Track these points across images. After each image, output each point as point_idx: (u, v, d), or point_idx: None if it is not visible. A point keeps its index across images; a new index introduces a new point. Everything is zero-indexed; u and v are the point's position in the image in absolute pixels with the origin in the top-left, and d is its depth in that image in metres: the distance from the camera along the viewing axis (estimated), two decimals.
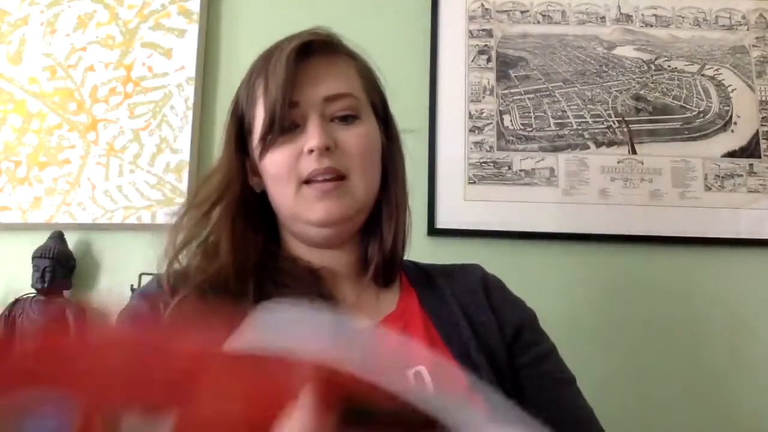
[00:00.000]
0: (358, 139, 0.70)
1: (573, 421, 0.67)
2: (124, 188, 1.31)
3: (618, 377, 1.21)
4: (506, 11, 1.36)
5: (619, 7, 1.36)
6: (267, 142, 0.70)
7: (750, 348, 1.22)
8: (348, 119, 0.71)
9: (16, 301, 1.26)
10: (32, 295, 1.26)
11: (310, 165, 0.68)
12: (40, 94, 1.37)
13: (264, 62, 0.72)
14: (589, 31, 1.35)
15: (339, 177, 0.68)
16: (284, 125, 0.69)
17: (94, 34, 1.38)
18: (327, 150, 0.68)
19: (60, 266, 1.24)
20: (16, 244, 1.32)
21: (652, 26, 1.35)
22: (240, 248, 0.69)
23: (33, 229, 1.31)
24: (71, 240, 1.29)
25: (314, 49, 0.72)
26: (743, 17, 1.35)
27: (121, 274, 1.26)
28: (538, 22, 1.35)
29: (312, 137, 0.68)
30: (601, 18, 1.35)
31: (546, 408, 0.64)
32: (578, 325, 1.22)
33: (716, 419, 1.19)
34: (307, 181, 0.68)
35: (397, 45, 1.33)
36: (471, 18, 1.35)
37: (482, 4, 1.36)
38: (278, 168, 0.69)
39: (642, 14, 1.35)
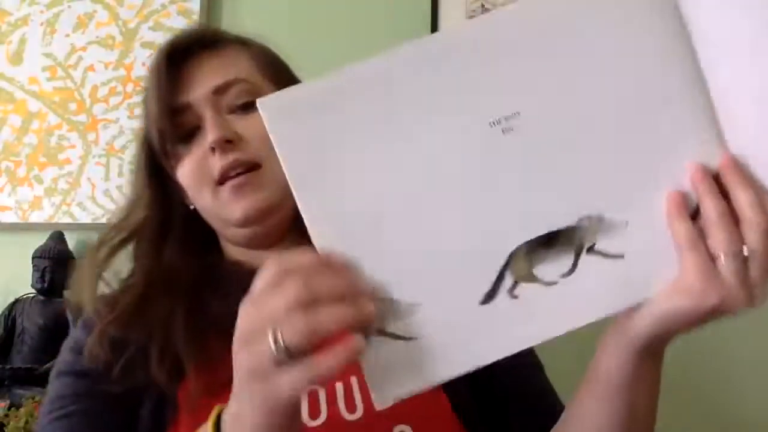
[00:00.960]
0: (260, 125, 0.60)
1: (545, 408, 0.65)
2: (125, 188, 1.31)
3: None
4: None
5: None
6: (169, 157, 0.66)
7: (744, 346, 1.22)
8: (248, 106, 0.65)
9: (16, 301, 1.27)
10: (32, 295, 1.27)
11: (216, 163, 0.63)
12: (40, 94, 1.37)
13: (148, 74, 0.68)
14: None
15: (251, 168, 0.63)
16: (179, 134, 0.65)
17: (94, 34, 1.38)
18: (229, 143, 0.63)
19: (60, 266, 1.24)
20: (16, 244, 1.32)
21: None
22: (159, 274, 0.65)
23: (33, 229, 1.31)
24: (71, 240, 1.29)
25: (197, 46, 0.68)
26: None
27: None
28: None
29: (209, 133, 0.63)
30: None
31: (517, 395, 0.64)
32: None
33: (716, 418, 1.19)
34: (221, 182, 0.63)
35: (397, 45, 1.33)
36: (471, 18, 1.36)
37: (482, 4, 1.36)
38: (190, 177, 0.65)
39: None
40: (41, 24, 1.40)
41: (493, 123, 0.43)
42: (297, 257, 0.40)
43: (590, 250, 0.44)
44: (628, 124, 0.44)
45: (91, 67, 1.37)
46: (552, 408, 0.63)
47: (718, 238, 0.42)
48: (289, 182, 0.42)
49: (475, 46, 0.43)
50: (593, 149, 0.44)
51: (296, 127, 0.42)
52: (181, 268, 0.65)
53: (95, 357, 0.59)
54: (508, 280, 0.43)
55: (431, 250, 0.43)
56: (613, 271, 0.44)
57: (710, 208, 0.42)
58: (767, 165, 0.43)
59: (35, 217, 1.32)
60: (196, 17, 1.37)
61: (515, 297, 0.43)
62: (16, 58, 1.39)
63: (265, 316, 0.38)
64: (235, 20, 1.39)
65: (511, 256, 0.43)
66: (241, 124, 0.64)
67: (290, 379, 0.37)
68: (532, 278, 0.43)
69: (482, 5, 1.36)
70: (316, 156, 0.42)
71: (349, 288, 0.40)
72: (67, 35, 1.39)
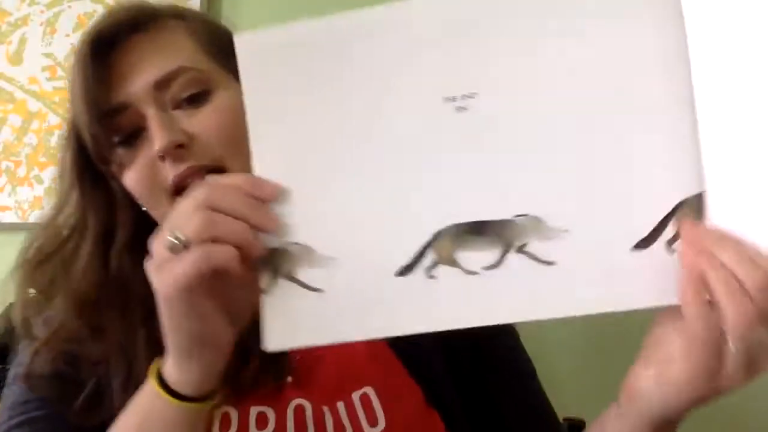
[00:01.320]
0: (217, 117, 0.54)
1: (536, 418, 0.64)
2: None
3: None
4: None
5: None
6: (109, 164, 0.56)
7: None
8: (197, 98, 0.55)
9: None
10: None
11: (168, 173, 0.53)
12: (40, 94, 1.37)
13: (72, 65, 0.56)
14: None
15: (212, 171, 0.53)
16: (118, 138, 0.55)
17: None
18: (180, 148, 0.53)
19: None
20: (16, 244, 1.32)
21: None
22: (106, 289, 0.56)
23: (33, 229, 1.31)
24: None
25: (128, 30, 0.57)
26: None
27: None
28: None
29: (155, 139, 0.53)
30: None
31: (508, 403, 0.63)
32: (572, 323, 1.22)
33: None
34: (178, 191, 0.53)
35: None
36: None
37: None
38: (139, 187, 0.55)
39: None
40: (41, 24, 1.40)
41: (449, 99, 0.42)
42: (226, 177, 0.45)
43: (520, 249, 0.42)
44: (595, 130, 0.41)
45: None
46: (547, 419, 0.63)
47: (727, 316, 0.37)
48: (247, 114, 0.44)
49: (450, 18, 0.42)
50: (547, 148, 0.42)
51: (266, 69, 0.44)
52: (133, 281, 0.55)
53: (44, 393, 0.54)
54: (428, 259, 0.42)
55: (361, 210, 0.43)
56: (538, 277, 0.41)
57: (717, 286, 0.37)
58: (753, 229, 0.39)
59: (35, 217, 1.32)
60: None
61: (432, 277, 0.42)
62: (16, 58, 1.39)
63: (173, 217, 0.42)
64: (235, 20, 1.39)
65: (437, 236, 0.42)
66: (193, 122, 0.55)
67: (182, 263, 0.40)
68: (453, 262, 0.42)
69: None
70: (278, 98, 0.44)
71: (256, 206, 0.42)
72: (67, 35, 1.39)
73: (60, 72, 1.37)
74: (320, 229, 0.43)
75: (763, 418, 1.19)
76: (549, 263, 0.41)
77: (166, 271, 0.41)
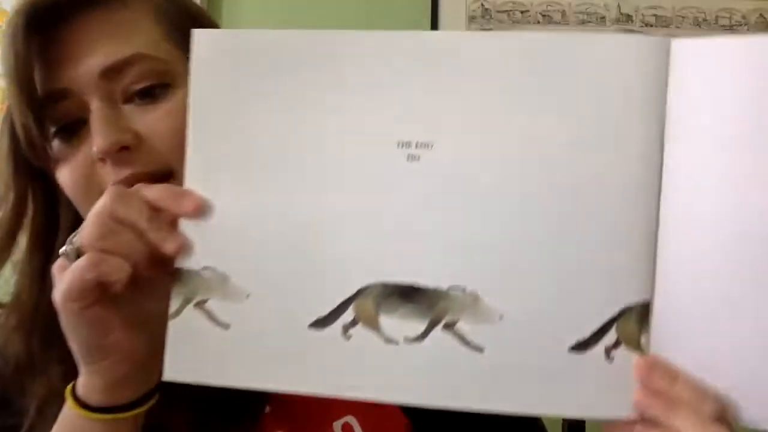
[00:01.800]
0: (173, 117, 0.46)
1: None
2: None
3: None
4: (506, 11, 1.36)
5: (619, 7, 1.36)
6: (41, 158, 0.48)
7: None
8: (151, 93, 0.47)
9: None
10: None
11: (107, 178, 0.46)
12: None
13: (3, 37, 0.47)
14: (589, 31, 1.35)
15: (159, 179, 0.45)
16: (54, 129, 0.48)
17: None
18: (125, 150, 0.45)
19: None
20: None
21: (652, 26, 1.35)
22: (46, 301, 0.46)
23: None
24: None
25: (78, 2, 0.47)
26: (743, 17, 1.35)
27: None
28: (538, 23, 1.35)
29: (96, 138, 0.45)
30: (601, 18, 1.35)
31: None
32: None
33: None
34: None
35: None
36: (471, 18, 1.36)
37: (482, 5, 1.36)
38: (73, 189, 0.48)
39: (642, 14, 1.35)
40: None
41: (403, 144, 0.38)
42: (140, 186, 0.41)
43: (449, 326, 0.38)
44: (551, 212, 0.38)
45: None
46: None
47: None
48: (189, 118, 0.41)
49: (426, 57, 0.39)
50: (498, 221, 0.38)
51: (219, 72, 0.41)
52: None
53: None
54: (348, 315, 0.39)
55: (287, 245, 0.39)
56: (463, 362, 0.37)
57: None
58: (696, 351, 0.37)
59: None
60: None
61: (348, 336, 0.39)
62: None
63: (83, 223, 0.40)
64: (235, 20, 1.39)
65: (361, 292, 0.39)
66: (145, 120, 0.47)
67: (70, 272, 0.39)
68: (373, 325, 0.38)
69: (482, 5, 1.36)
70: (225, 106, 0.41)
71: (158, 222, 0.39)
72: None
73: None
74: (240, 257, 0.40)
75: None
76: (477, 348, 0.38)
77: (59, 278, 0.40)
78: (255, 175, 0.40)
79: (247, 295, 0.40)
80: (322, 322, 0.39)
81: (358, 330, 0.39)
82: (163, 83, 0.48)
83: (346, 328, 0.39)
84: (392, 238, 0.39)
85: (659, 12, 1.35)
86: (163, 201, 0.40)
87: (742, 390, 0.37)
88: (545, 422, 0.63)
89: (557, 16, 1.36)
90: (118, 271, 0.38)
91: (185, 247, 0.40)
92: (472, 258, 0.38)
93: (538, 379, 0.37)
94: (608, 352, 0.37)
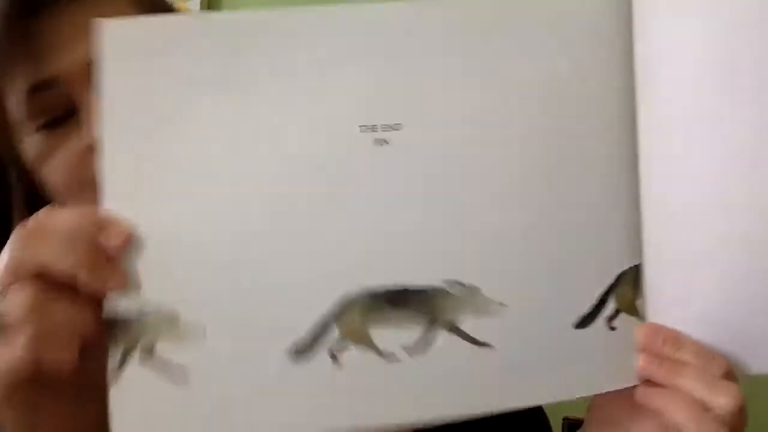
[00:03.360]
0: None
1: None
2: None
3: None
4: None
5: None
6: (14, 152, 0.46)
7: None
8: None
9: None
10: None
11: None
12: None
13: None
14: None
15: None
16: (39, 120, 0.45)
17: None
18: None
19: None
20: None
21: None
22: None
23: None
24: None
25: None
26: None
27: None
28: None
29: (90, 128, 0.43)
30: None
31: None
32: None
33: None
34: None
35: None
36: None
37: None
38: (59, 181, 0.45)
39: None
40: None
41: (367, 127, 0.34)
42: (59, 215, 0.33)
43: (450, 327, 0.34)
44: (533, 188, 0.35)
45: None
46: None
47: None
48: (101, 125, 0.33)
49: (381, 32, 0.34)
50: (485, 202, 0.35)
51: (134, 66, 0.33)
52: None
53: None
54: (332, 336, 0.33)
55: (245, 265, 0.33)
56: (474, 363, 0.34)
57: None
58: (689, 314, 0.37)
59: None
60: None
61: (337, 362, 0.33)
62: None
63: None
64: None
65: (343, 304, 0.33)
66: None
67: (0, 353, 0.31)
68: (366, 342, 0.33)
69: None
70: (144, 105, 0.33)
71: (95, 260, 0.31)
72: None
73: None
74: (187, 287, 0.32)
75: (762, 419, 1.18)
76: (486, 345, 0.34)
77: None
78: (190, 185, 0.33)
79: (204, 330, 0.32)
80: (303, 351, 0.33)
81: (348, 353, 0.33)
82: None
83: (334, 351, 0.33)
84: (370, 237, 0.34)
85: None
86: (83, 232, 0.32)
87: (741, 341, 0.37)
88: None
89: None
90: (63, 352, 0.31)
91: (126, 284, 0.32)
92: (462, 248, 0.34)
93: (550, 364, 0.36)
94: (610, 321, 0.37)
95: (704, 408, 0.35)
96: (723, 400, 0.35)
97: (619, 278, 0.37)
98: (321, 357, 0.33)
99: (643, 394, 0.37)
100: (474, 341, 0.34)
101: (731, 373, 0.36)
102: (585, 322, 0.36)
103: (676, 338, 0.37)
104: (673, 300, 0.38)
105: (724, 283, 0.37)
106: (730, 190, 0.37)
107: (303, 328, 0.33)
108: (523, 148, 0.35)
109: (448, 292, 0.34)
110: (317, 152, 0.33)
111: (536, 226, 0.35)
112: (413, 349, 0.34)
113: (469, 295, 0.34)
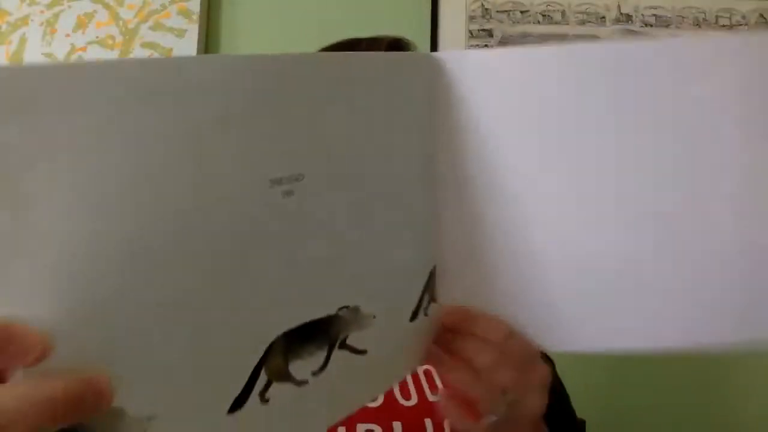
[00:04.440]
0: None
1: None
2: None
3: (628, 365, 1.21)
4: (506, 11, 1.36)
5: (619, 7, 1.36)
6: None
7: None
8: None
9: None
10: None
11: None
12: None
13: None
14: (589, 31, 1.35)
15: None
16: None
17: (94, 34, 1.38)
18: None
19: None
20: None
21: (652, 26, 1.35)
22: None
23: None
24: None
25: None
26: (743, 17, 1.35)
27: None
28: (538, 22, 1.35)
29: None
30: (601, 18, 1.35)
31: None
32: None
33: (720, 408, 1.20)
34: None
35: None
36: (471, 18, 1.35)
37: (482, 4, 1.36)
38: None
39: (642, 14, 1.35)
40: (41, 24, 1.40)
41: (275, 181, 0.33)
42: None
43: (342, 344, 0.39)
44: (370, 210, 0.40)
45: None
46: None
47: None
48: None
49: (289, 84, 0.33)
50: (358, 229, 0.39)
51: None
52: None
53: None
54: (261, 380, 0.34)
55: (176, 342, 0.30)
56: (355, 369, 0.41)
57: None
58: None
59: None
60: (196, 17, 1.37)
61: (265, 401, 0.35)
62: (16, 58, 1.39)
63: None
64: (235, 20, 1.39)
65: (267, 352, 0.34)
66: None
67: None
68: (285, 377, 0.36)
69: (482, 5, 1.36)
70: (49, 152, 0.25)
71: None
72: (67, 35, 1.39)
73: None
74: (127, 383, 0.28)
75: (761, 419, 1.20)
76: (362, 352, 0.41)
77: None
78: (97, 263, 0.26)
79: (153, 418, 0.29)
80: (238, 402, 0.33)
81: (273, 389, 0.35)
82: None
83: (262, 393, 0.35)
84: (284, 285, 0.34)
85: (659, 12, 1.35)
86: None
87: (534, 321, 0.45)
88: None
89: (557, 16, 1.36)
90: None
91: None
92: (349, 275, 0.39)
93: (397, 357, 0.46)
94: (425, 311, 0.45)
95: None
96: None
97: (431, 276, 0.45)
98: (252, 401, 0.35)
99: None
100: (356, 351, 0.41)
101: (512, 334, 0.45)
102: (415, 314, 0.45)
103: (464, 312, 0.45)
104: (464, 291, 0.46)
105: (516, 272, 0.45)
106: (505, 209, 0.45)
107: (239, 386, 0.34)
108: (350, 191, 0.39)
109: (341, 316, 0.39)
110: (236, 210, 0.31)
111: (370, 242, 0.41)
112: (318, 371, 0.38)
113: (353, 315, 0.40)
